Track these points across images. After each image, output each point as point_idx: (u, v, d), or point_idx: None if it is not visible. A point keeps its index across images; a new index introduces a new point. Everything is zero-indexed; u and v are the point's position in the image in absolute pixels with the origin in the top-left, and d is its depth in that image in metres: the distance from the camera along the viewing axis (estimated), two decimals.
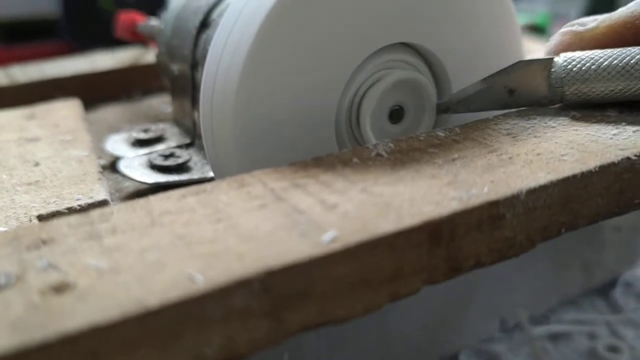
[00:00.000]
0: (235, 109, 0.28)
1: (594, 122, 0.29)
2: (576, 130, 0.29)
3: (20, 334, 0.16)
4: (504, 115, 0.31)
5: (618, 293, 0.46)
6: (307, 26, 0.28)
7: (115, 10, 0.96)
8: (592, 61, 0.30)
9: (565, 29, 0.33)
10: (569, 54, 0.31)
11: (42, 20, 1.25)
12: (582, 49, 0.32)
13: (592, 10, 1.34)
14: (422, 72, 0.33)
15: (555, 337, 0.42)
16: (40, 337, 0.16)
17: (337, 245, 0.20)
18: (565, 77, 0.30)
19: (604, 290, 0.47)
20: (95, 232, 0.21)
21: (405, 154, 0.27)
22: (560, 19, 1.24)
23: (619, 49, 0.30)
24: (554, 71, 0.31)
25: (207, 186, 0.24)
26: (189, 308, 0.17)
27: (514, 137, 0.28)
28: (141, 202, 0.23)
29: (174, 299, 0.17)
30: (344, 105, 0.31)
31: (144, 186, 0.37)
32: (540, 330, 0.42)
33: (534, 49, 0.68)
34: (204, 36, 0.39)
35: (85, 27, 1.06)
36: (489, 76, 0.31)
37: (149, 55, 0.58)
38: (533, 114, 0.31)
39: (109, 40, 0.64)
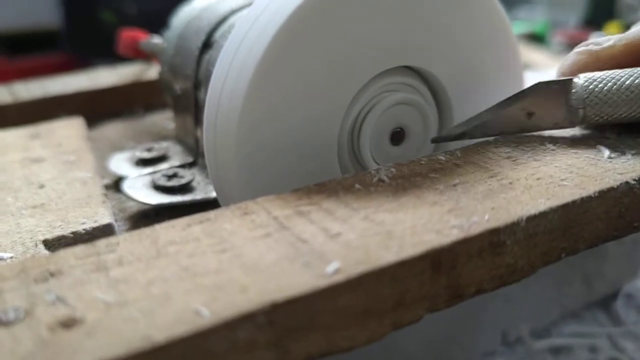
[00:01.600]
0: (238, 134, 0.28)
1: (593, 145, 0.30)
2: (576, 152, 0.29)
3: None
4: (504, 137, 0.31)
5: (619, 305, 0.46)
6: (310, 52, 0.28)
7: (116, 23, 0.97)
8: (613, 81, 0.29)
9: (580, 48, 0.32)
10: (589, 74, 0.30)
11: (43, 33, 1.25)
12: (599, 68, 0.31)
13: (592, 18, 1.34)
14: (423, 94, 0.33)
15: (556, 351, 0.42)
16: None
17: (340, 277, 0.20)
18: (587, 97, 0.30)
19: (605, 302, 0.47)
20: (102, 264, 0.21)
21: (407, 180, 0.27)
22: (560, 27, 1.25)
23: (639, 68, 0.30)
24: (574, 92, 0.30)
25: (211, 214, 0.24)
26: (195, 343, 0.18)
27: (514, 160, 0.28)
28: (147, 231, 0.23)
29: (181, 334, 0.18)
30: (345, 128, 0.31)
31: (147, 207, 0.37)
32: (542, 343, 0.43)
33: (534, 58, 0.69)
34: (206, 57, 0.40)
35: (87, 39, 1.06)
36: (506, 99, 0.31)
37: (151, 72, 0.58)
38: (532, 136, 0.31)
39: (110, 53, 0.64)
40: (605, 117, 0.30)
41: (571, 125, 0.31)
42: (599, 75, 0.30)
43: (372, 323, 0.21)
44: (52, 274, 0.21)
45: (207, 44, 0.40)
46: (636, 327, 0.44)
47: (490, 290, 0.24)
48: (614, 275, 0.47)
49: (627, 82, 0.29)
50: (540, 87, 0.30)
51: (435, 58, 0.32)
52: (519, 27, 0.98)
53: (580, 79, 0.30)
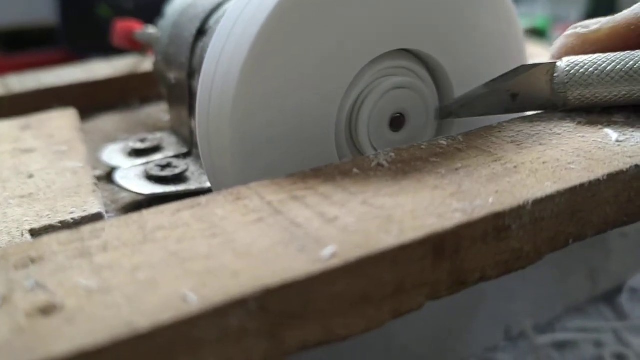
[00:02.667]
0: (232, 119, 0.27)
1: (600, 128, 0.29)
2: (582, 137, 0.28)
3: (5, 359, 0.15)
4: (508, 122, 0.30)
5: (624, 299, 0.45)
6: (304, 35, 0.27)
7: (113, 17, 0.96)
8: (595, 66, 0.30)
9: (569, 31, 0.33)
10: (572, 58, 0.31)
11: (40, 29, 1.25)
12: (585, 51, 0.31)
13: (593, 13, 1.33)
14: (423, 78, 0.32)
15: (560, 346, 0.42)
16: None
17: (336, 261, 0.19)
18: (568, 82, 0.30)
19: (610, 296, 0.46)
20: (85, 250, 0.20)
21: (407, 164, 0.26)
22: (561, 22, 1.24)
23: (622, 53, 0.30)
24: (556, 76, 0.30)
25: (202, 199, 0.23)
26: (182, 330, 0.17)
27: (518, 144, 0.27)
28: (134, 216, 0.22)
29: (166, 321, 0.16)
30: (343, 113, 0.30)
31: (140, 197, 0.36)
32: (546, 338, 0.42)
33: (535, 53, 0.68)
34: (200, 44, 0.39)
35: (83, 34, 1.05)
36: (491, 80, 0.31)
37: (146, 64, 0.57)
38: (538, 120, 0.30)
39: (107, 48, 0.63)
40: (585, 101, 0.30)
41: (554, 107, 0.31)
42: (581, 60, 0.30)
43: (371, 310, 0.20)
44: (32, 260, 0.20)
45: (202, 31, 0.39)
46: None
47: (495, 277, 0.23)
48: (618, 269, 0.46)
49: (608, 67, 0.29)
50: (524, 70, 0.31)
51: (435, 41, 0.31)
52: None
53: (563, 63, 0.31)
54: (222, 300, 0.17)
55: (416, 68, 0.32)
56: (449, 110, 0.32)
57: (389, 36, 0.30)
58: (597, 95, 0.30)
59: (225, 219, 0.22)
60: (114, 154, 0.41)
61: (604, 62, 0.30)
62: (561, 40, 0.33)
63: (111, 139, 0.47)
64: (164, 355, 0.17)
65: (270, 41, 0.27)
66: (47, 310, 0.17)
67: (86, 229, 0.21)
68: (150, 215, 0.22)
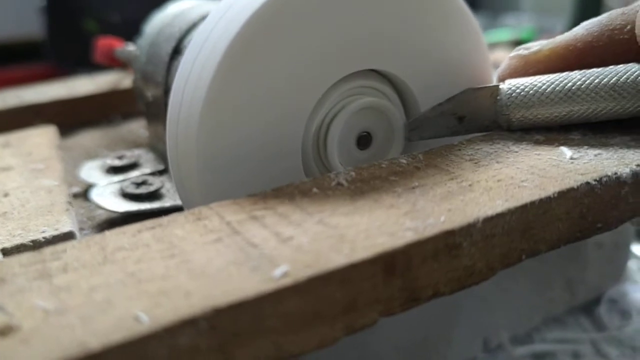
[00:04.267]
0: (198, 140, 0.28)
1: (556, 146, 0.29)
2: (538, 154, 0.29)
3: None
4: (468, 140, 0.31)
5: (603, 310, 0.46)
6: (270, 56, 0.28)
7: (99, 32, 0.97)
8: (534, 88, 0.31)
9: (512, 53, 0.34)
10: (513, 81, 0.31)
11: (26, 43, 1.25)
12: (527, 72, 0.32)
13: (578, 24, 1.34)
14: (390, 98, 0.33)
15: (539, 357, 0.42)
16: None
17: (287, 280, 0.20)
18: (510, 104, 0.31)
19: (588, 307, 0.47)
20: (46, 271, 0.21)
21: (365, 183, 0.27)
22: (546, 33, 1.25)
23: (560, 74, 0.31)
24: (499, 98, 0.31)
25: (164, 220, 0.24)
26: (132, 349, 0.17)
27: (476, 163, 0.28)
28: (97, 237, 0.23)
29: (117, 341, 0.17)
30: (310, 133, 0.31)
31: (115, 214, 0.37)
32: (524, 349, 0.42)
33: None
34: (176, 63, 0.40)
35: (70, 49, 1.06)
36: (438, 104, 0.32)
37: (128, 80, 0.58)
38: (497, 138, 0.31)
39: (94, 63, 0.64)
40: (528, 122, 0.31)
41: (500, 128, 0.32)
42: (522, 82, 0.31)
43: (323, 328, 0.21)
44: None
45: (177, 50, 0.40)
46: (620, 332, 0.44)
47: (449, 294, 0.24)
48: (596, 280, 0.47)
49: (548, 89, 0.30)
50: (469, 93, 0.32)
51: (401, 60, 0.32)
52: (505, 34, 0.98)
53: (505, 85, 0.31)
54: (172, 320, 0.18)
55: (383, 88, 0.33)
56: (409, 134, 0.33)
57: (356, 56, 0.31)
58: (538, 116, 0.31)
59: (184, 239, 0.23)
60: (91, 171, 0.42)
61: (543, 84, 0.31)
62: (506, 62, 0.34)
63: (91, 155, 0.48)
64: None
65: (236, 62, 0.28)
66: (3, 331, 0.18)
67: (48, 251, 0.22)
68: (112, 236, 0.23)
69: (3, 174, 0.38)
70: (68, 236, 0.31)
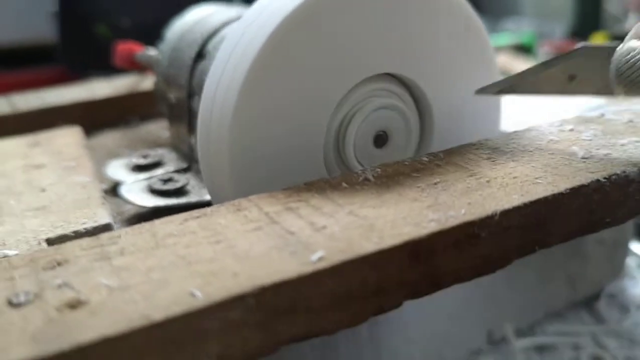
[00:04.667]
0: (230, 140, 0.30)
1: (569, 146, 0.31)
2: (552, 154, 0.31)
3: (40, 345, 0.18)
4: (485, 139, 0.33)
5: (602, 305, 0.47)
6: (296, 62, 0.30)
7: (111, 36, 0.99)
8: None
9: None
10: (634, 43, 0.28)
11: (37, 46, 1.27)
12: None
13: (578, 29, 1.36)
14: (404, 99, 0.35)
15: (541, 349, 0.44)
16: (58, 348, 0.18)
17: (323, 264, 0.22)
18: (620, 67, 0.28)
19: (589, 302, 0.48)
20: (105, 254, 0.23)
21: (390, 179, 0.29)
22: (546, 38, 1.27)
23: None
24: (613, 60, 0.28)
25: (207, 210, 0.26)
26: (189, 321, 0.19)
27: (493, 161, 0.30)
28: (146, 225, 0.25)
29: (177, 313, 0.19)
30: (331, 132, 0.33)
31: (144, 209, 0.39)
32: (526, 342, 0.44)
33: (521, 69, 0.70)
34: (199, 67, 0.42)
35: (82, 53, 1.08)
36: (548, 60, 0.30)
37: (145, 83, 0.60)
38: (514, 137, 0.33)
39: (105, 66, 0.65)
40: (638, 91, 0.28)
41: (611, 94, 0.30)
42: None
43: (355, 307, 0.23)
44: (59, 263, 0.22)
45: (200, 55, 0.42)
46: (618, 326, 0.45)
47: (467, 280, 0.26)
48: (596, 276, 0.48)
49: None
50: (585, 51, 0.30)
51: (415, 65, 0.34)
52: (506, 39, 1.00)
53: (624, 47, 0.28)
54: (224, 296, 0.20)
55: (399, 91, 0.35)
56: (509, 87, 0.32)
57: (374, 61, 0.33)
58: None
59: (227, 227, 0.25)
60: (117, 169, 0.44)
61: None
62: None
63: (113, 154, 0.49)
64: (174, 343, 0.19)
65: (264, 68, 0.30)
66: (74, 305, 0.20)
67: (105, 236, 0.24)
68: (160, 224, 0.25)
69: (37, 171, 0.40)
70: (106, 228, 0.33)
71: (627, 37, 0.29)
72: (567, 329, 0.46)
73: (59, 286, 0.21)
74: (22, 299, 0.20)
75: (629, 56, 0.28)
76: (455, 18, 0.34)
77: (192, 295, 0.20)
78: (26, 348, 0.18)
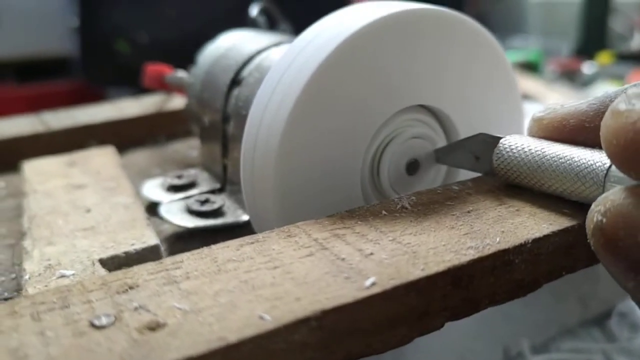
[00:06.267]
0: (276, 167, 0.32)
1: None
2: None
3: None
4: None
5: (613, 323, 0.49)
6: (337, 96, 0.32)
7: (129, 51, 1.01)
8: (521, 152, 0.31)
9: (535, 113, 0.33)
10: (514, 139, 0.32)
11: (53, 59, 1.29)
12: (537, 135, 0.32)
13: (584, 47, 1.39)
14: (435, 129, 0.37)
15: None
16: None
17: (376, 289, 0.24)
18: (500, 162, 0.32)
19: (600, 320, 0.50)
20: (171, 278, 0.25)
21: (426, 206, 0.31)
22: (553, 55, 1.29)
23: (543, 145, 0.31)
24: (496, 152, 0.32)
25: (259, 236, 0.28)
26: (261, 342, 0.21)
27: (519, 190, 0.32)
28: (205, 250, 0.27)
29: (249, 335, 0.21)
30: (367, 161, 0.35)
31: (181, 229, 0.41)
32: (541, 358, 0.46)
33: (528, 86, 0.73)
34: (234, 92, 0.44)
35: (101, 67, 1.10)
36: (460, 140, 0.35)
37: (172, 102, 0.62)
38: None
39: (123, 81, 0.67)
40: (511, 181, 0.32)
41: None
42: (517, 142, 0.32)
43: (403, 329, 0.25)
44: (130, 287, 0.24)
45: (235, 81, 0.44)
46: (629, 343, 0.47)
47: (502, 302, 0.28)
48: (607, 295, 0.50)
49: (531, 157, 0.31)
50: (481, 138, 0.33)
51: (446, 98, 0.36)
52: (513, 56, 1.02)
53: (505, 141, 0.32)
54: (290, 319, 0.22)
55: (429, 120, 0.37)
56: (438, 156, 0.37)
57: (407, 94, 0.35)
58: (517, 179, 0.32)
59: (281, 253, 0.27)
60: (153, 189, 0.46)
61: (526, 151, 0.31)
62: (530, 120, 0.33)
63: (145, 173, 0.52)
64: None
65: (310, 101, 0.32)
66: (153, 327, 0.22)
67: (167, 261, 0.26)
68: (218, 249, 0.27)
69: (80, 191, 0.42)
70: (155, 249, 0.35)
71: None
72: (580, 346, 0.47)
73: (136, 309, 0.23)
74: (104, 321, 0.22)
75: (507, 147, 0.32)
76: (480, 49, 0.37)
77: (262, 318, 0.22)
78: None
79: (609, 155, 0.25)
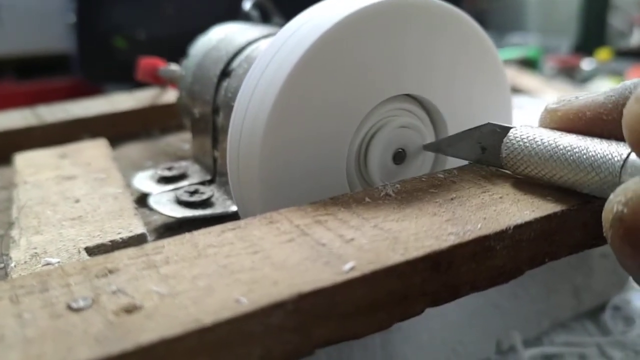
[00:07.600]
0: (261, 158, 0.32)
1: None
2: None
3: (103, 346, 0.20)
4: None
5: (607, 316, 0.49)
6: (323, 83, 0.32)
7: (126, 48, 1.01)
8: (532, 143, 0.31)
9: (548, 104, 0.32)
10: (524, 130, 0.32)
11: (53, 57, 1.29)
12: (549, 126, 0.32)
13: (583, 44, 1.39)
14: (422, 119, 0.37)
15: (548, 358, 0.45)
16: (120, 349, 0.20)
17: (355, 274, 0.24)
18: (508, 154, 0.32)
19: (594, 313, 0.49)
20: (151, 262, 0.25)
21: (410, 194, 0.31)
22: (552, 52, 1.29)
23: (555, 136, 0.31)
24: (506, 142, 0.32)
25: (241, 223, 0.28)
26: (236, 325, 0.21)
27: (504, 178, 0.32)
28: (187, 236, 0.27)
29: (225, 318, 0.21)
30: (353, 150, 0.35)
31: (171, 220, 0.41)
32: (534, 352, 0.45)
33: (527, 83, 0.73)
34: (224, 84, 0.44)
35: (99, 64, 1.10)
36: (467, 130, 0.34)
37: (165, 96, 0.62)
38: None
39: (120, 77, 0.67)
40: (520, 172, 0.32)
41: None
42: (528, 133, 0.31)
43: (382, 313, 0.25)
44: (110, 271, 0.24)
45: (225, 73, 0.44)
46: (624, 337, 0.46)
47: (483, 289, 0.28)
48: (601, 288, 0.50)
49: (541, 148, 0.30)
50: (489, 128, 0.33)
51: (433, 87, 0.36)
52: (512, 53, 1.02)
53: (516, 131, 0.32)
54: (266, 302, 0.22)
55: (416, 110, 0.37)
56: (437, 148, 0.36)
57: (393, 83, 0.35)
58: (526, 171, 0.31)
59: (262, 238, 0.27)
60: (143, 181, 0.46)
61: (537, 142, 0.31)
62: (542, 111, 0.33)
63: (137, 165, 0.52)
64: (222, 344, 0.21)
65: (293, 90, 0.32)
66: (130, 309, 0.22)
67: (149, 246, 0.26)
68: (200, 235, 0.27)
69: (69, 182, 0.42)
70: (141, 237, 0.35)
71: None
72: (574, 340, 0.47)
73: (114, 292, 0.23)
74: (81, 303, 0.22)
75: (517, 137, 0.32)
76: (468, 42, 0.37)
77: (238, 301, 0.22)
78: (91, 349, 0.20)
79: (632, 142, 0.24)
